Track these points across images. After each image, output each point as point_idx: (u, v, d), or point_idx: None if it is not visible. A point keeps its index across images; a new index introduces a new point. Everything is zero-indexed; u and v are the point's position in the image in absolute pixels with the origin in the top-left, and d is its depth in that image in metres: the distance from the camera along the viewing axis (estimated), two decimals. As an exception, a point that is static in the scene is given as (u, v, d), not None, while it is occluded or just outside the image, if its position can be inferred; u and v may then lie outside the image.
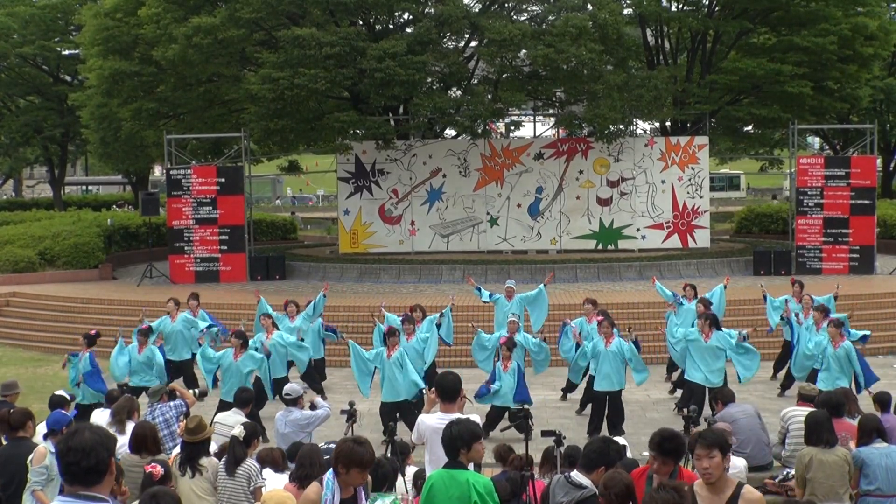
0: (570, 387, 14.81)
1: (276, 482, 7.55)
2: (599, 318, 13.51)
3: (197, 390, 10.76)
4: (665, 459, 6.14)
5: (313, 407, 10.23)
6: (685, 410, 10.16)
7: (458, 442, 5.98)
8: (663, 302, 19.01)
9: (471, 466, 6.19)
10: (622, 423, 12.66)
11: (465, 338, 18.41)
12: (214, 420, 9.87)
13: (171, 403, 9.67)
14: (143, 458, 7.34)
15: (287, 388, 10.54)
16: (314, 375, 15.33)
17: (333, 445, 8.68)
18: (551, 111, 30.29)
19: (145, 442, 7.51)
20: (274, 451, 8.17)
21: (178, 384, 10.74)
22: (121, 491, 6.61)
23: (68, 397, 9.86)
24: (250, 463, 7.53)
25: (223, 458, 7.67)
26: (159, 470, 6.75)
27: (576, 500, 6.08)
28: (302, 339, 14.46)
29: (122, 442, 8.27)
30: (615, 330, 13.05)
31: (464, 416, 7.18)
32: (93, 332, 13.44)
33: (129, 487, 7.24)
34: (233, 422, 9.66)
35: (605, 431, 12.23)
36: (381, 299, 18.41)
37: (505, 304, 15.66)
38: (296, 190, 70.90)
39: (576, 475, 6.24)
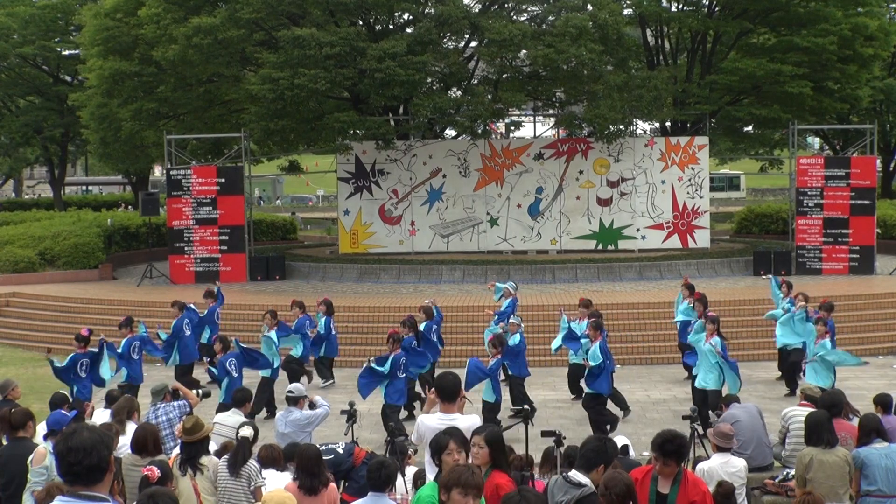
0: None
1: (277, 482, 7.56)
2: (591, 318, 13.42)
3: (201, 390, 10.74)
4: (666, 461, 6.13)
5: (312, 406, 10.24)
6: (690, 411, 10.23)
7: (431, 451, 6.26)
8: (662, 302, 19.06)
9: None
10: (606, 424, 12.66)
11: (463, 338, 18.42)
12: (214, 420, 9.88)
13: (175, 403, 9.67)
14: (144, 459, 7.35)
15: (291, 386, 10.58)
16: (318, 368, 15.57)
17: (328, 447, 8.73)
18: (551, 111, 30.29)
19: (146, 444, 7.53)
20: (275, 450, 8.17)
21: (180, 384, 10.74)
22: (117, 491, 6.60)
23: (70, 397, 9.86)
24: (251, 463, 7.54)
25: (223, 458, 7.68)
26: (156, 473, 6.75)
27: (575, 499, 6.07)
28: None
29: (124, 442, 8.28)
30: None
31: (462, 416, 7.19)
32: (84, 331, 13.61)
33: (130, 487, 7.24)
34: (232, 422, 9.67)
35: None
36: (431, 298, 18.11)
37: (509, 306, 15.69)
38: (267, 189, 70.07)
39: (574, 474, 6.22)
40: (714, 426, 8.50)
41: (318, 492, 7.04)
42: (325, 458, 8.29)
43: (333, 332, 16.22)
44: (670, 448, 6.12)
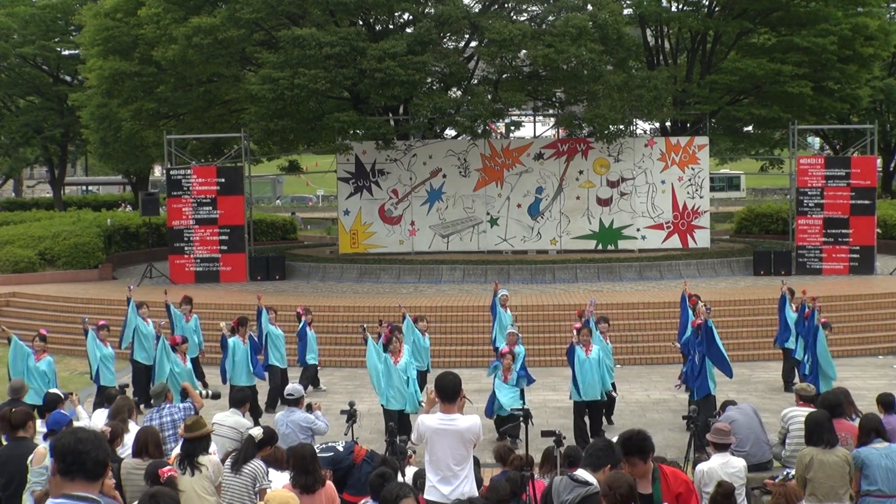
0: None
1: (278, 482, 7.57)
2: (577, 325, 13.07)
3: (209, 391, 10.72)
4: (631, 460, 6.01)
5: (309, 408, 10.25)
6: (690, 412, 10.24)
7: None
8: (662, 302, 19.06)
9: None
10: (600, 428, 12.70)
11: (463, 338, 18.42)
12: (213, 420, 9.88)
13: (181, 405, 9.65)
14: (144, 462, 7.36)
15: (289, 388, 10.58)
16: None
17: (328, 446, 8.77)
18: (551, 111, 30.28)
19: (147, 447, 7.52)
20: (277, 450, 8.18)
21: (188, 385, 10.73)
22: (112, 486, 6.60)
23: (62, 395, 9.86)
24: (258, 463, 7.55)
25: (231, 456, 7.70)
26: (175, 473, 6.76)
27: (581, 496, 6.06)
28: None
29: (125, 441, 8.29)
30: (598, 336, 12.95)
31: (462, 416, 7.19)
32: (43, 331, 13.72)
33: (131, 491, 7.23)
34: (231, 422, 9.68)
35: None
36: (398, 300, 18.24)
37: (504, 315, 15.52)
38: (263, 189, 68.32)
39: (581, 473, 6.23)
40: (711, 427, 8.51)
41: (314, 490, 7.05)
42: (324, 455, 8.34)
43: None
44: (630, 445, 6.01)
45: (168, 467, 6.92)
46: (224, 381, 13.56)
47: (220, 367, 14.01)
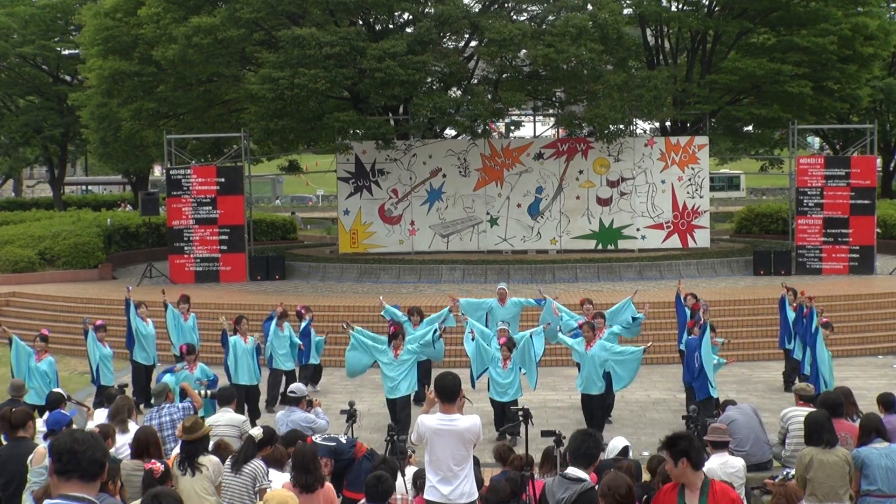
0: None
1: (279, 481, 7.58)
2: (581, 322, 13.27)
3: (208, 391, 10.74)
4: (678, 459, 5.82)
5: (310, 405, 10.26)
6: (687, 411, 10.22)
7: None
8: (662, 302, 19.04)
9: None
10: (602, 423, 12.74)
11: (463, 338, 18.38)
12: (207, 422, 9.89)
13: (180, 405, 9.66)
14: (145, 462, 7.36)
15: (293, 386, 10.60)
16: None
17: (331, 437, 8.80)
18: (551, 111, 30.28)
19: (147, 448, 7.53)
20: (278, 450, 8.19)
21: (188, 385, 10.74)
22: (116, 490, 6.61)
23: (65, 395, 9.87)
24: (257, 463, 7.56)
25: (230, 457, 7.71)
26: (159, 466, 6.76)
27: (577, 494, 6.05)
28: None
29: (124, 441, 8.29)
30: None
31: (462, 416, 7.20)
32: (45, 331, 13.70)
33: (130, 492, 7.24)
34: (226, 420, 9.70)
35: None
36: (380, 293, 18.29)
37: (499, 309, 15.37)
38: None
39: (573, 470, 6.20)
40: (711, 426, 8.52)
41: (313, 489, 7.06)
42: (327, 444, 8.38)
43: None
44: (683, 446, 5.85)
45: (153, 460, 6.94)
46: (229, 380, 13.54)
47: (223, 365, 14.00)
